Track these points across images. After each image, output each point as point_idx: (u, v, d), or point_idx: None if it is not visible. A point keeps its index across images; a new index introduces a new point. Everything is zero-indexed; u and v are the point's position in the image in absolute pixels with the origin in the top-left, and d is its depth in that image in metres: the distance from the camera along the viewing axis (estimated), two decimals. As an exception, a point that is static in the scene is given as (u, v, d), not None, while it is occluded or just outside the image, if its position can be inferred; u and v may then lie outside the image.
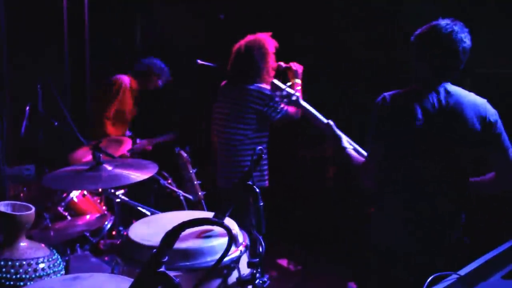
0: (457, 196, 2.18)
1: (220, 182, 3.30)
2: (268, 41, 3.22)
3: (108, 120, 4.17)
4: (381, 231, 2.27)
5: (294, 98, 2.70)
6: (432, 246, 2.17)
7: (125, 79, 4.25)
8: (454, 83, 2.20)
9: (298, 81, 3.24)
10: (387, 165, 2.21)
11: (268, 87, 3.14)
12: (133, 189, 3.12)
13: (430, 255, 2.15)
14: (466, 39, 2.08)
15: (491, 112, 2.14)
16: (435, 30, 2.09)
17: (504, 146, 2.15)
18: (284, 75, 3.29)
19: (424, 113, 2.12)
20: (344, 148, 2.44)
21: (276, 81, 2.78)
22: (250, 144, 3.16)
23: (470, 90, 2.20)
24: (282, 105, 3.15)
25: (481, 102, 2.15)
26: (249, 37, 3.24)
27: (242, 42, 3.24)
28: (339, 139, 2.48)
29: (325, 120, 2.59)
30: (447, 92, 2.13)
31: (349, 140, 2.53)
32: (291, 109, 3.21)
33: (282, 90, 2.70)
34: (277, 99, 3.03)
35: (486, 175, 2.25)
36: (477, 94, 2.20)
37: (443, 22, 2.10)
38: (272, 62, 3.21)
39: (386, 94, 2.21)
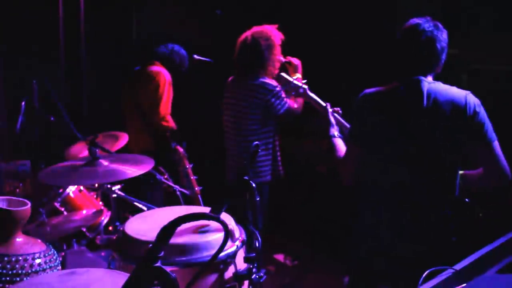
0: (444, 196, 2.11)
1: (229, 175, 3.35)
2: (275, 33, 3.23)
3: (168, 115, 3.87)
4: (366, 234, 2.21)
5: (301, 90, 2.72)
6: (420, 249, 2.09)
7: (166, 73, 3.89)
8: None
9: (299, 75, 3.25)
10: (368, 166, 2.16)
11: (272, 81, 3.16)
12: (130, 184, 3.11)
13: (417, 256, 2.07)
14: (438, 33, 2.08)
15: (472, 103, 2.04)
16: (411, 27, 2.11)
17: (487, 138, 2.04)
18: (284, 69, 3.30)
19: (403, 113, 2.08)
20: (330, 136, 2.40)
21: (284, 74, 2.79)
22: (258, 140, 3.16)
23: (459, 87, 2.16)
24: (285, 100, 3.15)
25: (459, 95, 2.06)
26: (256, 28, 3.26)
27: (249, 33, 3.25)
28: (329, 124, 2.46)
29: (324, 104, 2.59)
30: (427, 89, 2.06)
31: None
32: (293, 104, 3.22)
33: (290, 82, 2.72)
34: (281, 93, 3.02)
35: (476, 169, 2.17)
36: (473, 90, 2.17)
37: (419, 20, 2.11)
38: (278, 54, 3.23)
39: (367, 91, 2.18)
